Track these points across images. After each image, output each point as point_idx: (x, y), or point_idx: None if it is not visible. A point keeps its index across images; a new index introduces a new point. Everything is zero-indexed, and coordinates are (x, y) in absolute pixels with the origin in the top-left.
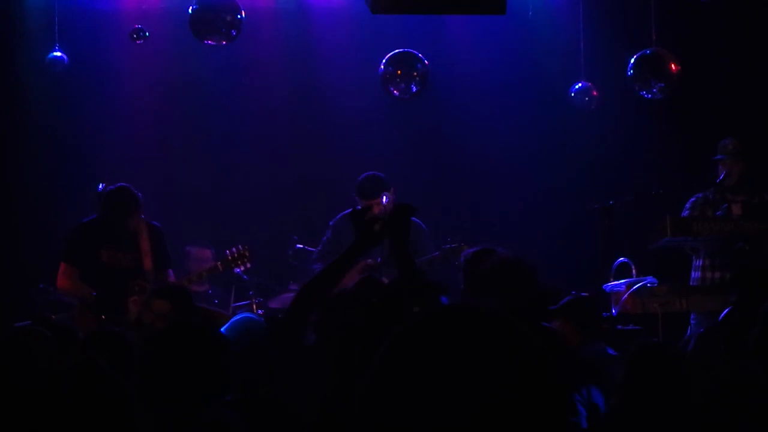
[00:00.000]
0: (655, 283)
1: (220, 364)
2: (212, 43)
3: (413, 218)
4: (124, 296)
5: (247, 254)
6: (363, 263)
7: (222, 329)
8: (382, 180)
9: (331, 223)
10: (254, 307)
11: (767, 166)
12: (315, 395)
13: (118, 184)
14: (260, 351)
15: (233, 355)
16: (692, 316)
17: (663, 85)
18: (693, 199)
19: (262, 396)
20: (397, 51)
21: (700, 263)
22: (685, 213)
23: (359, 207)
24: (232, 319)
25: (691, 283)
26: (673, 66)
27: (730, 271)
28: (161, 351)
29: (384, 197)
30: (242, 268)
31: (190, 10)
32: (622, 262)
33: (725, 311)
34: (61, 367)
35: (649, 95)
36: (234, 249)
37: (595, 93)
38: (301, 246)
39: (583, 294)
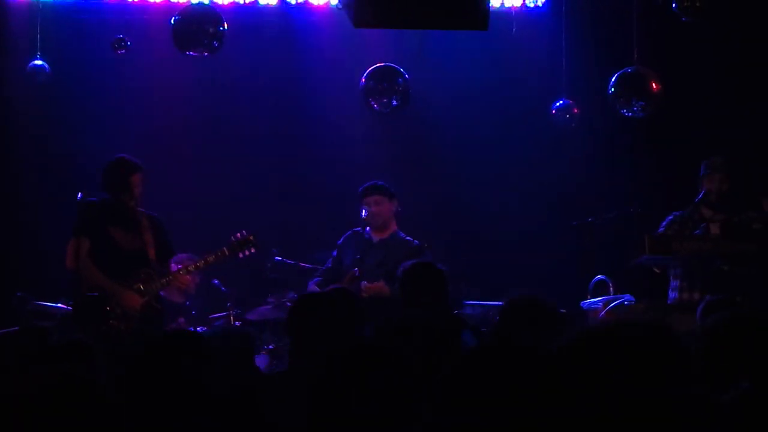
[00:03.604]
0: (632, 301)
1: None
2: (194, 54)
3: (417, 242)
4: (129, 281)
5: (252, 239)
6: (351, 274)
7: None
8: (384, 185)
9: (338, 242)
10: (232, 318)
11: (747, 184)
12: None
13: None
14: (244, 360)
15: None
16: None
17: (644, 103)
18: (670, 217)
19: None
20: (378, 65)
21: (677, 284)
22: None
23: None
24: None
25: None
26: (654, 85)
27: (708, 293)
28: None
29: (363, 210)
30: (247, 253)
31: (172, 21)
32: (600, 280)
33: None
34: (37, 375)
35: (630, 113)
36: (239, 234)
37: (576, 110)
38: (280, 259)
39: (560, 310)
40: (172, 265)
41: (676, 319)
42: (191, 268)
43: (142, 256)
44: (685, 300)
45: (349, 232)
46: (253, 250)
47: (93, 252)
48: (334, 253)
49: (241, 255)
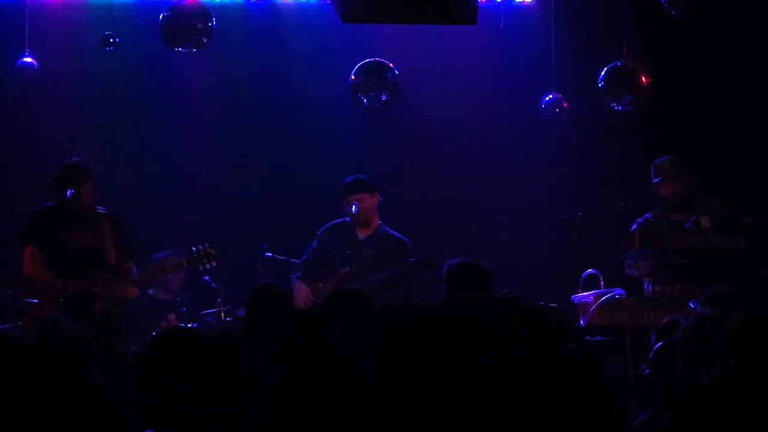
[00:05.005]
0: (623, 295)
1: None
2: (183, 50)
3: (400, 236)
4: (88, 283)
5: (213, 253)
6: (340, 273)
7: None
8: (365, 181)
9: (318, 232)
10: (222, 315)
11: (736, 177)
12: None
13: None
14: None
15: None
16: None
17: (633, 97)
18: (634, 226)
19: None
20: (367, 60)
21: (650, 282)
22: None
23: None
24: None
25: None
26: (643, 78)
27: (684, 288)
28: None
29: (353, 206)
30: (207, 266)
31: (160, 18)
32: (591, 274)
33: (686, 323)
34: (47, 376)
35: (620, 107)
36: (200, 246)
37: (565, 105)
38: (271, 255)
39: (551, 305)
40: (133, 267)
41: (666, 313)
42: (147, 276)
43: (99, 257)
44: (659, 294)
45: (331, 223)
46: (213, 264)
47: (49, 256)
48: (314, 243)
49: (200, 267)
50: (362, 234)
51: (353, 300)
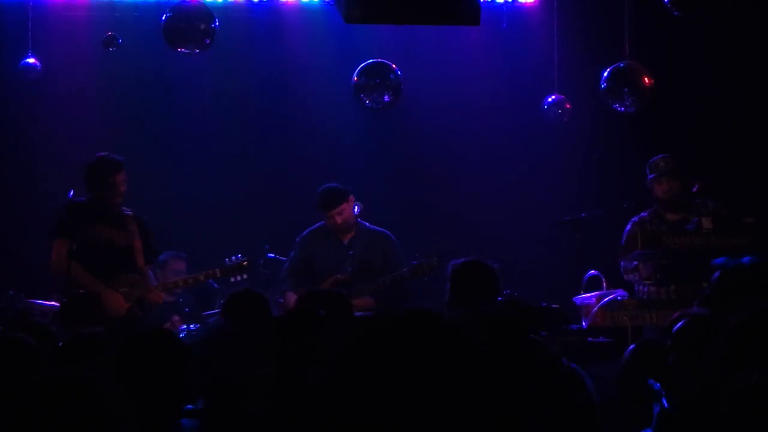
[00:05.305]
0: (625, 297)
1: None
2: (185, 51)
3: (380, 229)
4: (116, 284)
5: (246, 266)
6: (334, 277)
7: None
8: (339, 190)
9: (297, 239)
10: None
11: (737, 178)
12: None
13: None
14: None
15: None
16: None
17: (636, 98)
18: (629, 227)
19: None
20: (369, 61)
21: (647, 284)
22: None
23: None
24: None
25: None
26: (646, 79)
27: (678, 288)
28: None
29: (356, 207)
30: (239, 279)
31: (163, 18)
32: (593, 275)
33: (682, 323)
34: (44, 377)
35: (622, 108)
36: (234, 258)
37: (568, 106)
38: (273, 255)
39: (553, 306)
40: (149, 271)
41: (668, 314)
42: (180, 283)
43: (129, 256)
44: (660, 295)
45: (310, 230)
46: (245, 276)
47: (80, 252)
48: (296, 250)
49: (232, 279)
50: (345, 238)
51: (329, 301)
